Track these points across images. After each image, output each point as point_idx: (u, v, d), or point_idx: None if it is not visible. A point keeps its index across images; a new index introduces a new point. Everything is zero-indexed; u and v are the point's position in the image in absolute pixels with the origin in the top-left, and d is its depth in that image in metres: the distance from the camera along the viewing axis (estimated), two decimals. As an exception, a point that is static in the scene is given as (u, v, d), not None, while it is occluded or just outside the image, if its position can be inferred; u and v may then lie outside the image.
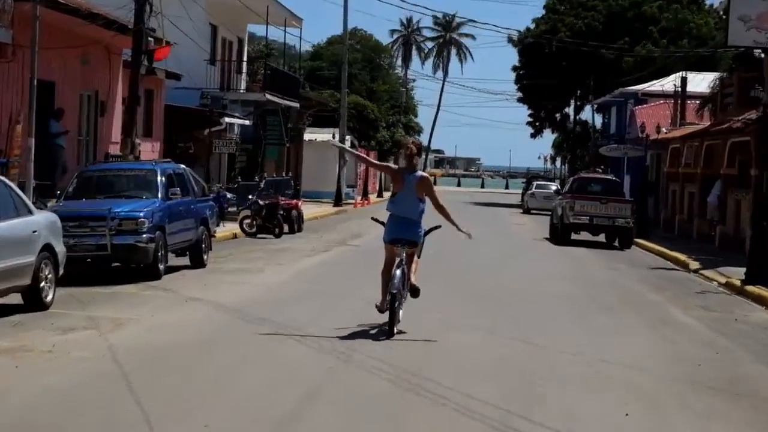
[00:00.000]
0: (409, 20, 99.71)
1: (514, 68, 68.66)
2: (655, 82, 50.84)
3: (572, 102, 69.85)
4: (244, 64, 43.43)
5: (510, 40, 67.85)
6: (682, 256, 27.69)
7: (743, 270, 21.86)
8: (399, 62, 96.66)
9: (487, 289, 18.30)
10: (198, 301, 15.07)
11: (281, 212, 30.40)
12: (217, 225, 31.25)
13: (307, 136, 58.58)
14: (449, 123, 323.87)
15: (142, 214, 17.22)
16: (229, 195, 33.72)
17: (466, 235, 12.74)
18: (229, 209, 33.41)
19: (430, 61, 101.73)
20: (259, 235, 29.46)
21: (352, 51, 78.58)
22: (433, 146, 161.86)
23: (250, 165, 43.18)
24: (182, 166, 20.63)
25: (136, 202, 17.88)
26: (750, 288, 20.30)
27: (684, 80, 41.32)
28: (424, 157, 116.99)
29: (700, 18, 59.17)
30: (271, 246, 26.34)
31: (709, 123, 37.04)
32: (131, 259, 17.27)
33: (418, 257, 12.66)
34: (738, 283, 21.18)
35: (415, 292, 12.44)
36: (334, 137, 55.32)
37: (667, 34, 57.66)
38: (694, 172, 36.80)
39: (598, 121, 66.50)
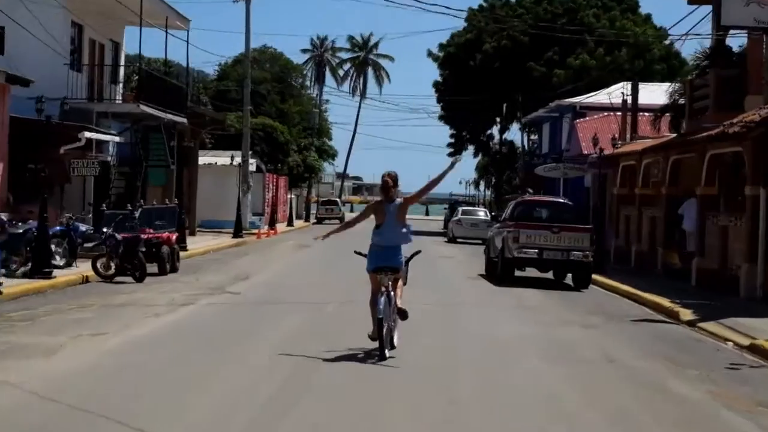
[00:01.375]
0: (322, 39, 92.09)
1: (436, 84, 61.49)
2: (593, 94, 44.23)
3: (498, 120, 62.82)
4: (121, 71, 35.57)
5: (430, 54, 60.91)
6: (663, 301, 20.77)
7: (756, 321, 16.73)
8: (312, 82, 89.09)
9: (422, 379, 10.90)
10: None
11: (143, 249, 22.78)
12: (70, 265, 23.82)
13: (205, 159, 50.93)
14: (368, 145, 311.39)
15: None
16: (84, 227, 25.98)
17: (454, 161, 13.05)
18: (86, 244, 25.67)
19: (347, 83, 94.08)
20: (118, 278, 22.00)
21: (260, 70, 71.18)
22: (351, 172, 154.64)
23: (130, 191, 35.33)
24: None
25: None
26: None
27: (636, 88, 34.53)
28: (340, 183, 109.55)
29: (639, 27, 52.65)
30: (118, 297, 18.71)
31: (668, 135, 30.28)
32: None
33: (404, 284, 12.55)
34: (774, 347, 14.40)
35: (403, 314, 12.13)
36: (233, 160, 47.87)
37: (603, 43, 51.07)
38: (655, 193, 29.99)
39: (528, 140, 59.59)
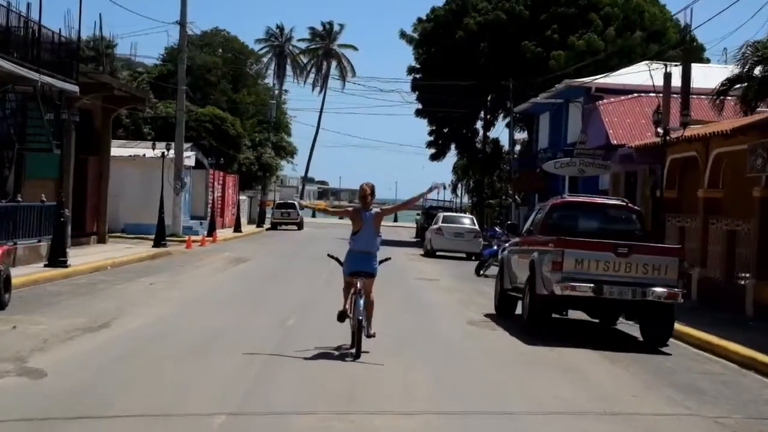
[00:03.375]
0: (281, 28, 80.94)
1: (410, 70, 50.98)
2: (602, 76, 34.36)
3: (482, 114, 52.27)
4: None
5: (403, 35, 50.59)
6: None
7: None
8: (270, 74, 78.27)
9: None
10: None
11: None
12: None
13: (128, 150, 40.60)
14: (333, 143, 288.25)
15: None
16: None
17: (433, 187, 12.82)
18: None
19: (309, 76, 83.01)
20: None
21: (210, 54, 60.78)
22: (315, 175, 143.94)
23: (-1, 183, 25.02)
24: None
25: None
26: None
27: (688, 60, 24.46)
28: (302, 187, 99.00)
29: (654, 7, 42.57)
30: None
31: (760, 114, 20.20)
32: None
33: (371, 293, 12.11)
34: None
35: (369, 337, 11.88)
36: (154, 148, 37.39)
37: (612, 22, 41.11)
38: (732, 195, 20.01)
39: (511, 137, 49.02)
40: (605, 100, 28.88)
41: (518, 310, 16.49)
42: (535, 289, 14.59)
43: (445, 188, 65.32)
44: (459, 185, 70.30)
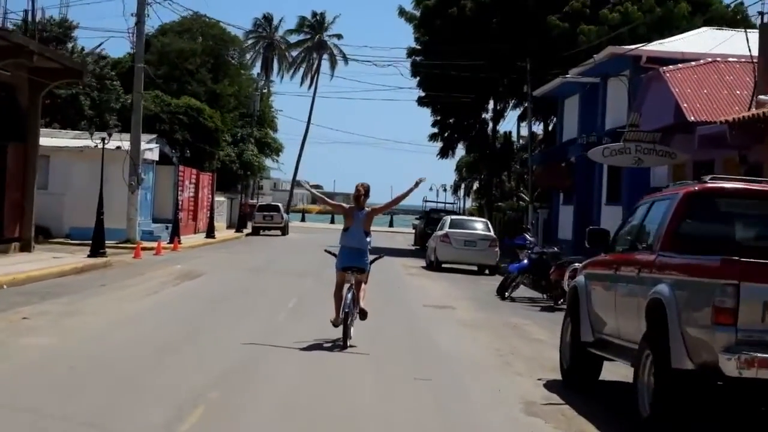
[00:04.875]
0: (269, 19, 73.28)
1: (410, 52, 43.46)
2: (649, 44, 27.24)
3: (492, 104, 44.78)
4: None
5: (402, 12, 43.19)
6: None
7: None
8: (258, 66, 70.96)
9: None
10: None
11: None
12: None
13: (80, 142, 33.17)
14: (325, 139, 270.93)
15: None
16: None
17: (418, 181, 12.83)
18: None
19: (291, 72, 75.57)
20: None
21: (190, 42, 53.53)
22: (308, 177, 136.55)
23: None
24: None
25: None
26: None
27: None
28: (290, 191, 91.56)
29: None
30: None
31: None
32: None
33: (365, 283, 12.55)
34: None
35: (363, 314, 12.39)
36: (92, 137, 30.03)
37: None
38: None
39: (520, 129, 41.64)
40: (671, 67, 21.51)
41: (603, 372, 9.29)
42: (669, 358, 7.23)
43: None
44: (462, 186, 62.55)
